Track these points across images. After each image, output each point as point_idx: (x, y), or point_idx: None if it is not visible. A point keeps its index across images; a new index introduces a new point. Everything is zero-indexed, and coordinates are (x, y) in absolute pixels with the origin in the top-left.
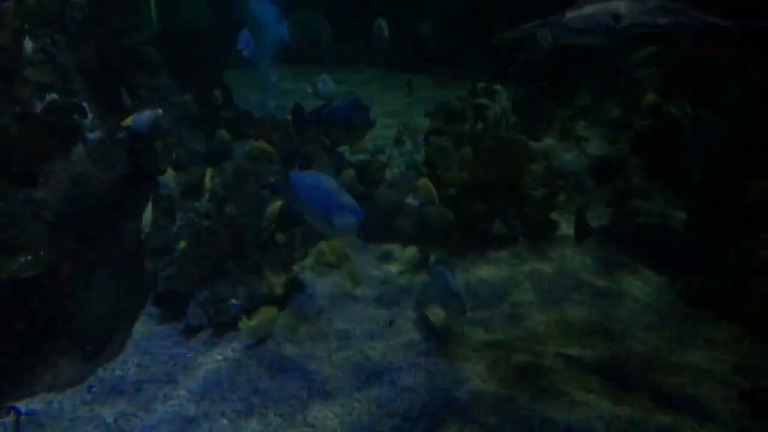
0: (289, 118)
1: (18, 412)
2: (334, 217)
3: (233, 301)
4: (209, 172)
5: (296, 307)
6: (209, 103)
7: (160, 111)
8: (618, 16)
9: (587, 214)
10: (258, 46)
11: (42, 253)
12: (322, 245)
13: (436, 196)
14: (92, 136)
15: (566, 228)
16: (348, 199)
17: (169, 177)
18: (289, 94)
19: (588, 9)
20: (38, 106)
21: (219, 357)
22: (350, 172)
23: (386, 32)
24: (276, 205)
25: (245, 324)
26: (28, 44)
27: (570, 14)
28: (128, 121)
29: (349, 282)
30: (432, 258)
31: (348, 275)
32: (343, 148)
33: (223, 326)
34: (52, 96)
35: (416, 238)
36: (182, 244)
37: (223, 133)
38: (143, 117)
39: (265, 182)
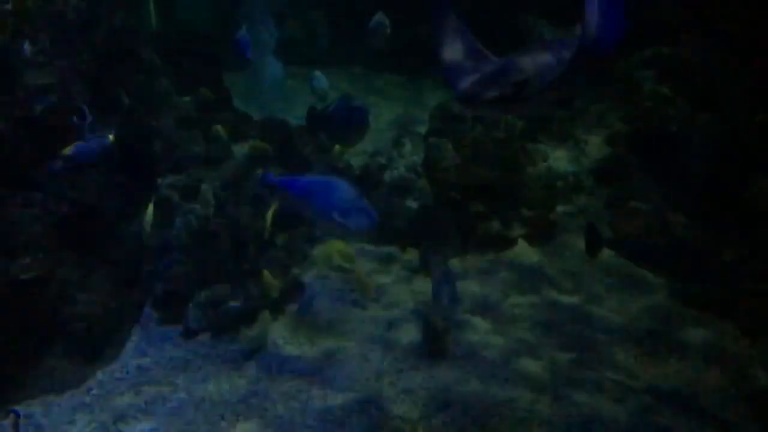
0: (289, 120)
1: (17, 414)
2: (350, 218)
3: (233, 303)
4: (206, 186)
5: (296, 309)
6: (205, 103)
7: (111, 138)
8: (522, 84)
9: (582, 217)
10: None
11: (41, 255)
12: (328, 247)
13: (431, 196)
14: (91, 137)
15: (565, 228)
16: (363, 201)
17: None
18: (288, 94)
19: (486, 73)
20: (38, 109)
21: (218, 359)
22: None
23: (387, 28)
24: (275, 205)
25: (246, 334)
26: (28, 46)
27: (464, 79)
28: (68, 149)
29: (361, 289)
30: (431, 259)
31: (358, 283)
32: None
33: (223, 328)
34: (52, 98)
35: (416, 239)
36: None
37: (219, 130)
38: (85, 146)
39: (262, 180)
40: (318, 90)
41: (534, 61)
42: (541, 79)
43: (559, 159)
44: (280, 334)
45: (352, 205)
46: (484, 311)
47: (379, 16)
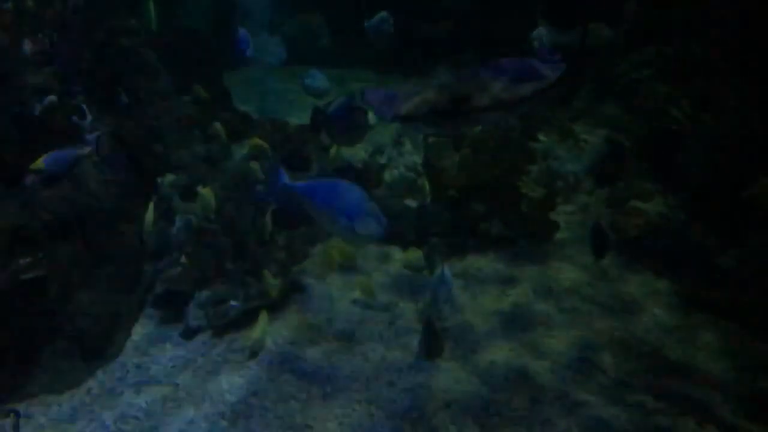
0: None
1: (17, 413)
2: (358, 223)
3: (233, 302)
4: (206, 193)
5: (296, 309)
6: (202, 103)
7: (87, 150)
8: (463, 100)
9: (583, 217)
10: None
11: (41, 254)
12: (329, 247)
13: (428, 195)
14: (91, 137)
15: (565, 229)
16: (372, 206)
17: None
18: (287, 95)
19: (425, 90)
20: (37, 108)
21: (219, 359)
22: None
23: (390, 27)
24: (273, 205)
25: (246, 333)
26: (27, 46)
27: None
28: (39, 163)
29: (361, 289)
30: (431, 260)
31: (359, 282)
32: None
33: (223, 328)
34: (51, 98)
35: (416, 239)
36: (182, 246)
37: (218, 127)
38: (57, 157)
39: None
40: (311, 89)
41: (480, 80)
42: (483, 96)
43: (559, 158)
44: (280, 334)
45: (361, 209)
46: (484, 311)
47: (382, 15)
